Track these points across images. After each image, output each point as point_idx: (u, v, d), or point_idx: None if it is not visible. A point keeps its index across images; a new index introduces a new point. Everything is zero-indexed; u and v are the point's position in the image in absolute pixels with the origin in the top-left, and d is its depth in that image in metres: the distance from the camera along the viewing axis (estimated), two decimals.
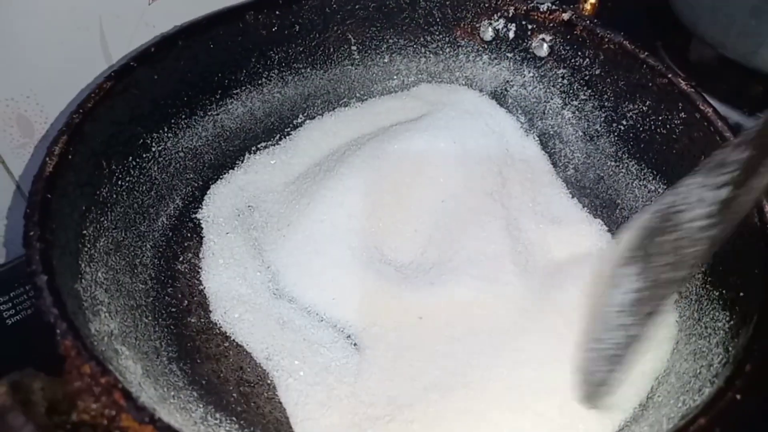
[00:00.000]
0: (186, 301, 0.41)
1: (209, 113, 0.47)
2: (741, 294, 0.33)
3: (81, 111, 0.37)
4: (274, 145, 0.50)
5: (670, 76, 0.41)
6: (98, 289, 0.34)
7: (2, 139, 0.49)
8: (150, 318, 0.38)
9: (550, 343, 0.36)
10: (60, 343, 0.26)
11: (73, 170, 0.35)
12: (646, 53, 0.43)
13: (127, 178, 0.41)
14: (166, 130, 0.44)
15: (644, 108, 0.43)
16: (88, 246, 0.36)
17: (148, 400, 0.30)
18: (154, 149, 0.43)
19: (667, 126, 0.42)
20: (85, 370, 0.25)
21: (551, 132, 0.49)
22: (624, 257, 0.32)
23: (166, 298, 0.40)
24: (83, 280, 0.33)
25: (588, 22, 0.45)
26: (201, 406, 0.34)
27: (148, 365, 0.34)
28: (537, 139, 0.50)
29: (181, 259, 0.43)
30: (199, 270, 0.42)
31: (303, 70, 0.50)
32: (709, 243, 0.28)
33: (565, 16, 0.46)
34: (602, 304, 0.34)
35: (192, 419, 0.33)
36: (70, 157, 0.35)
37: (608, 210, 0.45)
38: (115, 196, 0.39)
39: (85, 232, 0.36)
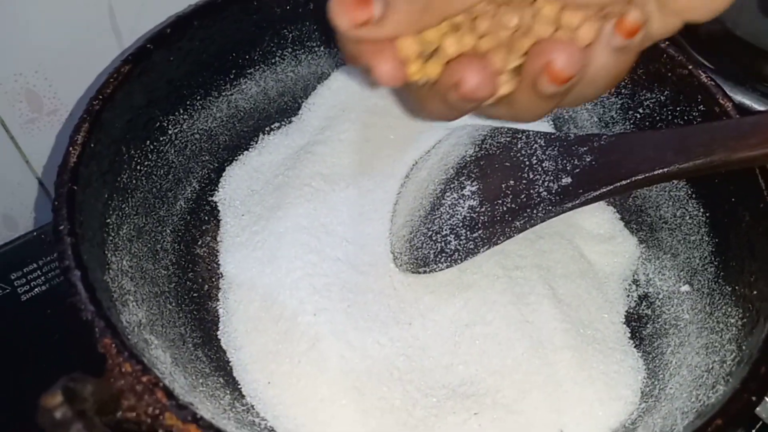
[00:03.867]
0: (207, 286, 0.41)
1: (224, 93, 0.46)
2: (754, 292, 0.34)
3: (101, 97, 0.36)
4: (287, 125, 0.49)
5: (690, 67, 0.41)
6: (124, 278, 0.35)
7: (11, 114, 0.49)
8: (173, 304, 0.38)
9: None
10: (99, 342, 0.27)
11: (95, 159, 0.35)
12: (666, 42, 0.42)
13: (146, 163, 0.41)
14: (181, 112, 0.43)
15: (662, 98, 0.43)
16: (113, 234, 0.36)
17: (180, 390, 0.31)
18: (170, 132, 0.43)
19: (685, 117, 0.42)
20: (127, 369, 0.26)
21: (566, 116, 0.49)
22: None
23: (188, 283, 0.41)
24: (110, 271, 0.34)
25: None
26: (228, 392, 0.35)
27: (176, 353, 0.35)
28: (551, 123, 0.50)
29: (199, 242, 0.43)
30: (218, 253, 0.43)
31: (317, 49, 0.49)
32: None
33: None
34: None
35: (221, 407, 0.34)
36: (92, 145, 0.35)
37: (621, 198, 0.46)
38: (134, 181, 0.39)
39: (108, 220, 0.36)
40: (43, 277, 0.49)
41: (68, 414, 0.21)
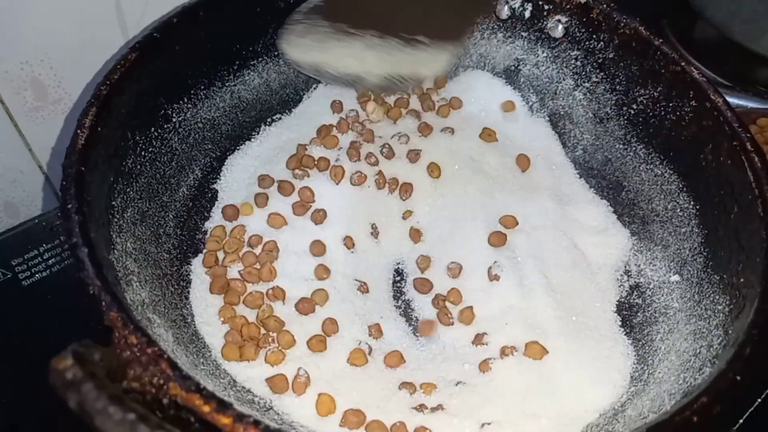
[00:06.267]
0: None
1: (227, 84, 0.47)
2: (741, 280, 0.35)
3: (108, 82, 0.37)
4: (288, 116, 0.50)
5: (683, 64, 0.42)
6: (128, 259, 0.36)
7: (16, 102, 0.49)
8: (175, 286, 0.39)
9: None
10: (106, 315, 0.28)
11: (102, 142, 0.36)
12: (660, 40, 0.43)
13: (150, 149, 0.41)
14: (185, 100, 0.44)
15: (655, 94, 0.44)
16: (117, 217, 0.37)
17: (182, 367, 0.31)
18: (174, 120, 0.44)
19: (677, 113, 0.43)
20: (132, 341, 0.27)
21: (562, 112, 0.50)
22: None
23: (189, 267, 0.41)
24: (115, 251, 0.35)
25: (605, 5, 0.46)
26: (228, 372, 0.36)
27: (177, 333, 0.35)
28: (547, 119, 0.51)
29: (201, 228, 0.44)
30: None
31: None
32: None
33: None
34: None
35: (221, 385, 0.34)
36: (99, 129, 0.35)
37: (614, 191, 0.47)
38: (139, 167, 0.40)
39: (114, 203, 0.37)
40: (43, 264, 0.50)
41: (79, 374, 0.21)
